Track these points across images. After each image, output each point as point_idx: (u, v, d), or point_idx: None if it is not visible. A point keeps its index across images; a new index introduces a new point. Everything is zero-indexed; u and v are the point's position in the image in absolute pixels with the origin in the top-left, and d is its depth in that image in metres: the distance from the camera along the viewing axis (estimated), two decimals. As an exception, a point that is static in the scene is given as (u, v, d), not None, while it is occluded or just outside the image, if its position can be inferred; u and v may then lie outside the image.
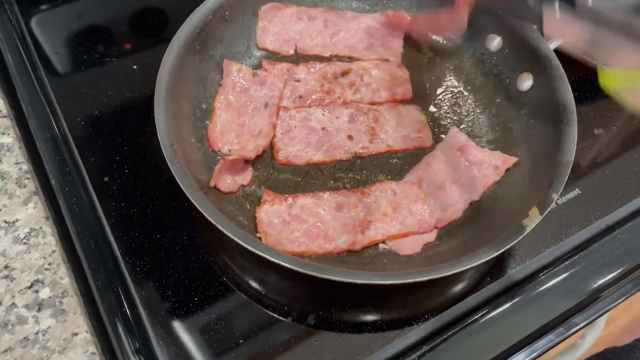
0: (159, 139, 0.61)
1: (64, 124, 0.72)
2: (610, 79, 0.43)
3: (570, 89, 0.70)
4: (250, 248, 0.55)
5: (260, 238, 0.63)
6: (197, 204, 0.57)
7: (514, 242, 0.57)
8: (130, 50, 0.82)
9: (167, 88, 0.65)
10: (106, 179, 0.68)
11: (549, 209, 0.59)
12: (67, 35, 0.83)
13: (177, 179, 0.58)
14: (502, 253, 0.65)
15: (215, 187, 0.65)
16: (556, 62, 0.73)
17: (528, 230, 0.58)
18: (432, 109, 0.78)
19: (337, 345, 0.60)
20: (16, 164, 0.68)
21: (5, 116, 0.72)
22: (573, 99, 0.69)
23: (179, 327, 0.60)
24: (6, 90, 0.75)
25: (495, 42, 0.81)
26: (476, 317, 0.63)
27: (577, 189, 0.72)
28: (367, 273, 0.56)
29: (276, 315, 0.61)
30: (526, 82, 0.75)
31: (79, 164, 0.69)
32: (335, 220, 0.66)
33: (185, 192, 0.57)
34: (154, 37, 0.85)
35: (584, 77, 0.84)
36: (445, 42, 0.84)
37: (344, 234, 0.65)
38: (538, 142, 0.70)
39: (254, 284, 0.64)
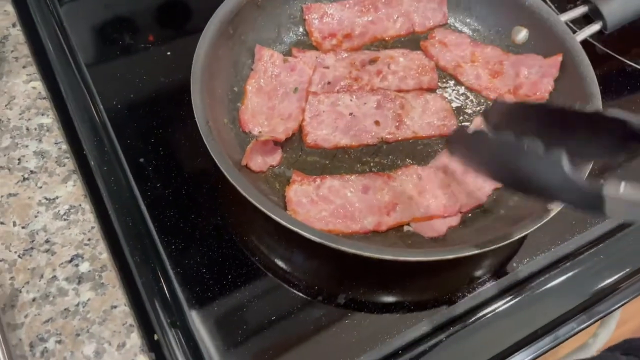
0: (195, 117, 0.63)
1: (101, 107, 0.74)
2: None
3: (595, 79, 0.72)
4: (283, 222, 0.57)
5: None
6: (232, 179, 0.59)
7: (540, 224, 0.59)
8: (162, 38, 0.84)
9: (203, 68, 0.67)
10: (142, 160, 0.71)
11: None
12: (101, 21, 0.86)
13: (212, 155, 0.60)
14: (528, 239, 0.67)
15: (246, 167, 0.67)
16: (582, 54, 0.74)
17: (553, 213, 0.60)
18: (457, 98, 0.80)
19: (367, 324, 0.62)
20: (55, 143, 0.71)
21: (44, 98, 0.75)
22: (599, 90, 0.71)
23: (213, 303, 0.62)
24: (44, 74, 0.77)
25: (521, 34, 0.82)
26: (503, 300, 0.64)
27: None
28: (394, 249, 0.58)
29: (307, 296, 0.63)
30: (552, 73, 0.77)
31: (115, 145, 0.71)
32: (361, 202, 0.68)
33: (220, 167, 0.60)
34: (182, 27, 0.87)
35: (609, 73, 0.86)
36: (472, 34, 0.85)
37: (370, 215, 0.67)
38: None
39: (287, 264, 0.66)
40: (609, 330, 1.24)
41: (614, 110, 0.51)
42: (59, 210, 0.66)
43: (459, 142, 0.63)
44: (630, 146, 0.50)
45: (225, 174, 0.59)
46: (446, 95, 0.80)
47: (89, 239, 0.65)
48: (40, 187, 0.68)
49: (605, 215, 0.48)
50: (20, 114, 0.73)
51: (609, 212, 0.47)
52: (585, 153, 0.56)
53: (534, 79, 0.78)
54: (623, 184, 0.46)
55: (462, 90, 0.80)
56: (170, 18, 0.88)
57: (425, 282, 0.65)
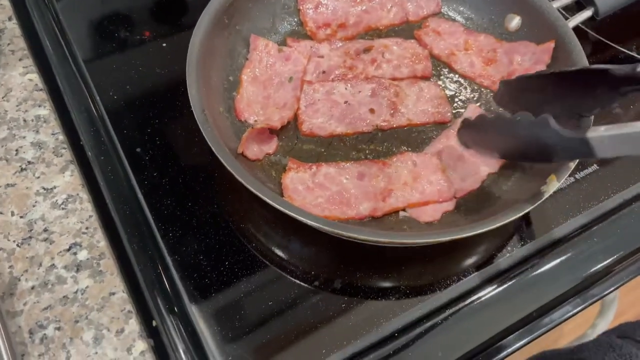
0: (191, 105, 0.63)
1: (98, 98, 0.75)
2: None
3: (587, 63, 0.72)
4: (280, 208, 0.57)
5: (286, 203, 0.65)
6: (229, 166, 0.59)
7: (533, 207, 0.59)
8: (158, 31, 0.85)
9: (198, 57, 0.67)
10: (138, 150, 0.71)
11: (566, 175, 0.61)
12: (98, 14, 0.86)
13: (209, 143, 0.61)
14: (523, 223, 0.67)
15: (242, 155, 0.68)
16: (575, 40, 0.75)
17: (546, 195, 0.60)
18: (451, 85, 0.80)
19: (363, 308, 0.62)
20: (53, 134, 0.71)
21: (41, 89, 0.75)
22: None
23: (210, 289, 0.62)
24: (40, 66, 0.78)
25: (514, 22, 0.83)
26: (499, 284, 0.65)
27: (594, 165, 0.74)
28: (390, 233, 0.58)
29: (304, 282, 0.64)
30: (544, 59, 0.77)
31: (112, 136, 0.72)
32: (357, 188, 0.68)
33: (217, 154, 0.60)
34: (178, 21, 0.88)
35: (601, 59, 0.86)
36: (466, 22, 0.86)
37: (366, 201, 0.67)
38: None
39: (283, 251, 0.66)
40: (607, 321, 1.25)
41: (596, 65, 0.58)
42: (56, 200, 0.67)
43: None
44: (621, 91, 0.56)
45: (222, 161, 0.60)
46: (440, 83, 0.80)
47: (87, 228, 0.65)
48: (38, 177, 0.68)
49: (597, 156, 0.53)
50: (17, 106, 0.73)
51: (599, 153, 0.53)
52: (584, 108, 0.62)
53: (527, 65, 0.78)
54: (605, 126, 0.52)
55: (456, 77, 0.81)
56: (166, 12, 0.89)
57: (421, 267, 0.66)
